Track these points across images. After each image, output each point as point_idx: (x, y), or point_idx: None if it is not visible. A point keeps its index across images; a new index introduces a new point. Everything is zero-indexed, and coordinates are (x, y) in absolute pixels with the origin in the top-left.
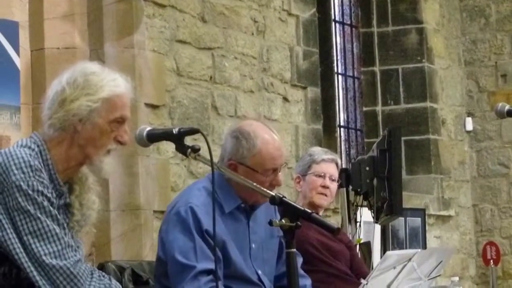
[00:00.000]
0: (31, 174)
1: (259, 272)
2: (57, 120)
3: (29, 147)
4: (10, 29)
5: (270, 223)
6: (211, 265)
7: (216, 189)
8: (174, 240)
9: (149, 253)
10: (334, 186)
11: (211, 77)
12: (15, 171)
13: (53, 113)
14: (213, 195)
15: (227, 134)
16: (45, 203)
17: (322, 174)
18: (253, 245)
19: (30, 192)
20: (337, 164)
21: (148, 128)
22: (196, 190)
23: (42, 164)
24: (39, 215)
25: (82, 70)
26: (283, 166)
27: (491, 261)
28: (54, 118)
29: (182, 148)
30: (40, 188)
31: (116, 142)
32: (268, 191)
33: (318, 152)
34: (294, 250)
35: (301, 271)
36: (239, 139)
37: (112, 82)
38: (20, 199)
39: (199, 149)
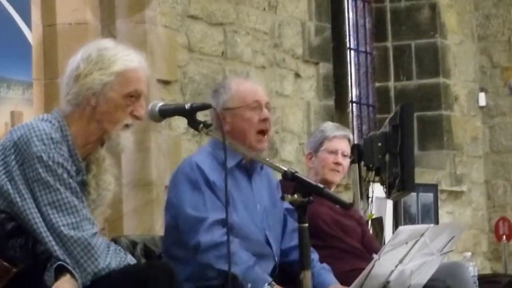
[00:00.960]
0: (52, 146)
1: (267, 232)
2: (72, 95)
3: (50, 122)
4: (22, 4)
5: (283, 198)
6: (223, 215)
7: (217, 150)
8: (183, 197)
9: (161, 228)
10: (346, 162)
11: (222, 53)
12: (37, 143)
13: (69, 90)
14: (225, 169)
15: (210, 96)
16: (65, 175)
17: (335, 150)
18: (259, 206)
19: (51, 163)
20: (349, 140)
21: (160, 104)
22: (196, 153)
23: (62, 139)
24: (59, 187)
25: (97, 46)
26: (267, 104)
27: (504, 236)
28: (70, 94)
29: (194, 124)
30: (61, 160)
31: (133, 117)
32: (280, 166)
33: (330, 128)
34: (306, 225)
35: None
36: (217, 91)
37: (125, 57)
38: (40, 170)
39: (211, 125)
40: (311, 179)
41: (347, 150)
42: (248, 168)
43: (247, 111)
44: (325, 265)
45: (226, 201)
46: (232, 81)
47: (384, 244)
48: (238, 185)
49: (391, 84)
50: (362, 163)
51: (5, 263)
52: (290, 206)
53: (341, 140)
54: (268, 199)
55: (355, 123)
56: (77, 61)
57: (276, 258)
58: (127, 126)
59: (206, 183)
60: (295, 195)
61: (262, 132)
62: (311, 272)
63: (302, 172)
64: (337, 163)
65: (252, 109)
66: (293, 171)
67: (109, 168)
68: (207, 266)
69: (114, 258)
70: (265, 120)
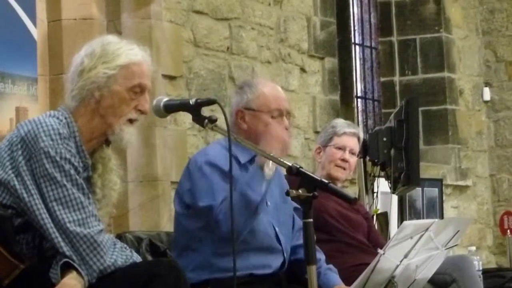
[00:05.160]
0: (59, 141)
1: (277, 229)
2: (77, 91)
3: (57, 118)
4: (27, 0)
5: (287, 193)
6: (227, 192)
7: (232, 145)
8: (196, 192)
9: (167, 224)
10: (353, 160)
11: (228, 48)
12: (44, 138)
13: (74, 85)
14: (230, 165)
15: (233, 92)
16: (72, 171)
17: (343, 146)
18: (269, 203)
19: (58, 159)
20: (358, 139)
21: (165, 99)
22: (210, 146)
23: (69, 135)
24: (65, 183)
25: (100, 41)
26: (288, 113)
27: (508, 231)
28: (75, 90)
29: (199, 119)
30: (68, 156)
31: (137, 111)
32: (285, 161)
33: (341, 124)
34: (311, 220)
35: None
36: (242, 88)
37: (129, 51)
38: (47, 166)
39: (216, 120)
40: (318, 174)
41: (356, 148)
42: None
43: (268, 117)
44: (331, 265)
45: (231, 199)
46: (259, 83)
47: (389, 238)
48: None
49: (396, 78)
50: (367, 158)
51: (12, 259)
52: (297, 206)
53: (350, 138)
54: (279, 195)
55: (360, 117)
56: (81, 57)
57: (285, 254)
58: (131, 121)
59: (219, 174)
60: (300, 190)
61: None
62: (318, 271)
63: (308, 167)
64: (344, 160)
65: (273, 116)
66: (298, 166)
67: (114, 168)
68: (219, 223)
69: (120, 255)
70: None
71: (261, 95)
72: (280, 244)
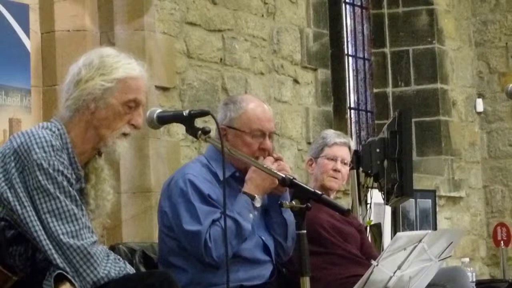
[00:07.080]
0: (52, 153)
1: (263, 238)
2: (72, 101)
3: (50, 129)
4: (20, 11)
5: (281, 205)
6: (215, 215)
7: (211, 161)
8: (179, 212)
9: None
10: (345, 169)
11: (221, 59)
12: (37, 150)
13: (69, 95)
14: (224, 175)
15: (219, 107)
16: (65, 183)
17: (334, 157)
18: (256, 213)
19: (51, 171)
20: (349, 148)
21: (159, 110)
22: (190, 163)
23: (62, 147)
24: (58, 195)
25: (99, 52)
26: (272, 133)
27: (502, 242)
28: (70, 99)
29: (192, 130)
30: (61, 168)
31: (130, 125)
32: (278, 172)
33: (331, 135)
34: (305, 231)
35: None
36: (227, 105)
37: (127, 65)
38: (40, 178)
39: (209, 131)
40: (311, 185)
41: (347, 158)
42: (242, 178)
43: (249, 137)
44: None
45: (224, 212)
46: (244, 100)
47: (383, 250)
48: (234, 195)
49: (389, 90)
50: (361, 169)
51: (5, 271)
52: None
53: (341, 148)
54: (263, 199)
55: (353, 129)
56: (79, 67)
57: (274, 262)
58: (124, 135)
59: (200, 199)
60: (293, 202)
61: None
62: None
63: (301, 178)
64: (336, 170)
65: (254, 137)
66: (291, 177)
67: (107, 178)
68: (207, 250)
69: (113, 267)
70: (264, 150)
71: (243, 115)
72: (269, 254)
